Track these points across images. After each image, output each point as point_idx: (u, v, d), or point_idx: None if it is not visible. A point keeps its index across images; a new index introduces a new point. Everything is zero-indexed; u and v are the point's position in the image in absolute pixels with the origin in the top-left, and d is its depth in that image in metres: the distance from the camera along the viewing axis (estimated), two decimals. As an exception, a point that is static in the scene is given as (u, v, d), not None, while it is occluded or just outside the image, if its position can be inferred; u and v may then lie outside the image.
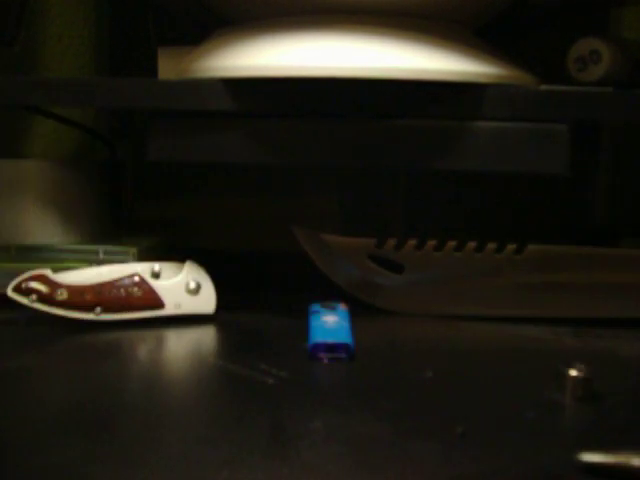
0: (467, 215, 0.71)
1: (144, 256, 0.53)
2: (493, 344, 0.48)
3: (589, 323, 0.50)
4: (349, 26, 0.46)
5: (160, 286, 0.48)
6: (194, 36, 0.51)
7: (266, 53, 0.46)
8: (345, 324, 0.46)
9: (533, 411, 0.36)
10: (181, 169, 0.73)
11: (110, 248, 0.52)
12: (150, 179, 0.73)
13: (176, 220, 0.72)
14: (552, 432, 0.34)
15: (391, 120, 0.47)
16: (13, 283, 0.47)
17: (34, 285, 0.46)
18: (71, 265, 0.51)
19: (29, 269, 0.47)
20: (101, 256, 0.52)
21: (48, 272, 0.47)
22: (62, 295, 0.47)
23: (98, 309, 0.47)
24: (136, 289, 0.48)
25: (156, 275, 0.48)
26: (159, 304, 0.48)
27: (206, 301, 0.49)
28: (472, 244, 0.51)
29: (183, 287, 0.48)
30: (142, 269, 0.48)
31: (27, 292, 0.46)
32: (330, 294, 0.52)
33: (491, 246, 0.51)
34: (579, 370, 0.37)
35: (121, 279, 0.48)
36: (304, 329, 0.46)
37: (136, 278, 0.48)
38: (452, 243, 0.51)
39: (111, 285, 0.47)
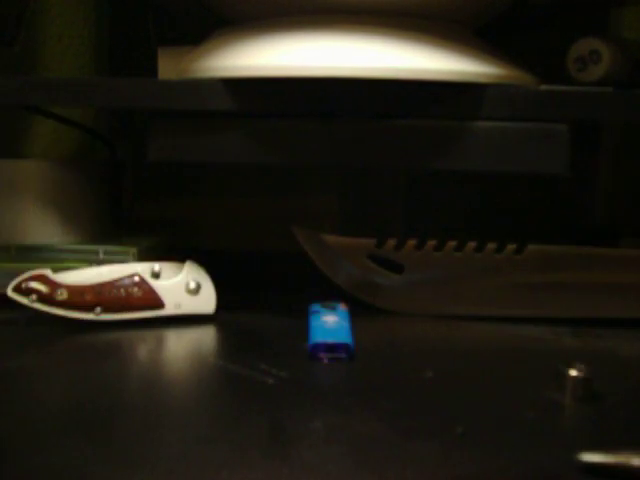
0: (467, 215, 0.71)
1: (144, 256, 0.53)
2: (493, 344, 0.48)
3: (589, 323, 0.50)
4: (349, 26, 0.46)
5: (160, 286, 0.48)
6: (194, 36, 0.51)
7: (266, 53, 0.46)
8: (345, 324, 0.46)
9: (533, 411, 0.36)
10: (181, 169, 0.73)
11: (110, 248, 0.52)
12: (150, 179, 0.73)
13: (176, 220, 0.72)
14: (552, 432, 0.34)
15: (391, 120, 0.47)
16: (13, 283, 0.47)
17: (34, 285, 0.46)
18: (71, 265, 0.51)
19: (29, 269, 0.47)
20: (101, 256, 0.52)
21: (48, 272, 0.47)
22: (62, 295, 0.47)
23: (98, 309, 0.47)
24: (136, 289, 0.48)
25: (156, 275, 0.48)
26: (159, 304, 0.48)
27: (206, 301, 0.49)
28: (472, 244, 0.51)
29: (183, 287, 0.48)
30: (142, 269, 0.48)
31: (27, 292, 0.46)
32: (330, 294, 0.52)
33: (491, 246, 0.51)
34: (579, 370, 0.37)
35: (121, 279, 0.48)
36: (304, 329, 0.46)
37: (136, 278, 0.48)
38: (452, 243, 0.51)
39: (111, 285, 0.47)
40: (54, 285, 0.47)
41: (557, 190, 0.70)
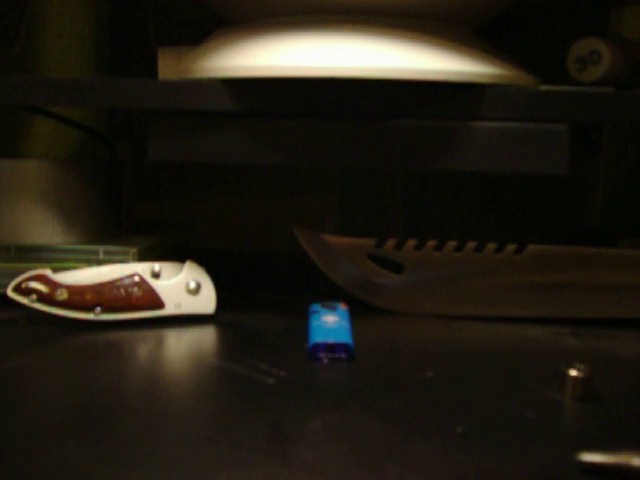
0: (467, 215, 0.71)
1: (144, 256, 0.53)
2: (493, 344, 0.48)
3: (589, 323, 0.50)
4: (349, 26, 0.46)
5: (160, 286, 0.48)
6: (194, 36, 0.51)
7: (266, 53, 0.46)
8: (345, 324, 0.46)
9: (533, 411, 0.36)
10: (181, 169, 0.73)
11: (110, 248, 0.52)
12: (150, 179, 0.73)
13: (176, 220, 0.72)
14: (552, 432, 0.34)
15: (391, 120, 0.47)
16: (13, 283, 0.47)
17: (34, 285, 0.46)
18: (71, 265, 0.51)
19: (29, 269, 0.47)
20: (101, 256, 0.52)
21: (48, 272, 0.47)
22: (62, 295, 0.47)
23: (98, 309, 0.47)
24: (136, 289, 0.48)
25: (156, 275, 0.48)
26: (159, 304, 0.48)
27: (206, 301, 0.49)
28: (472, 244, 0.51)
29: (183, 287, 0.48)
30: (142, 269, 0.48)
31: (27, 292, 0.46)
32: (330, 294, 0.52)
33: (491, 246, 0.51)
34: (579, 370, 0.37)
35: (121, 279, 0.48)
36: (304, 329, 0.46)
37: (136, 278, 0.48)
38: (452, 243, 0.51)
39: (111, 285, 0.47)
40: (54, 285, 0.47)
41: (557, 190, 0.70)
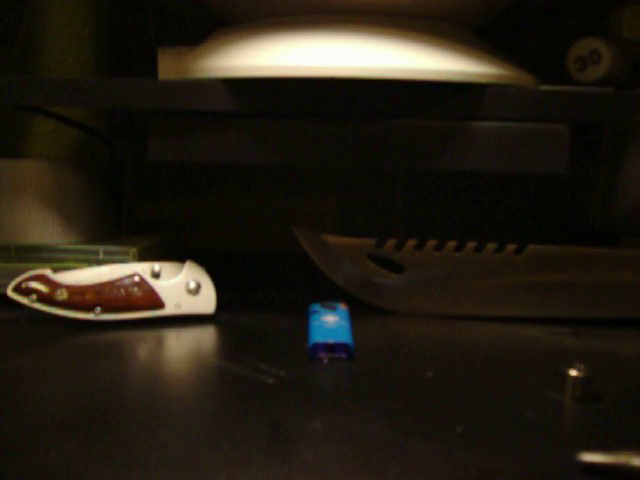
0: (467, 215, 0.71)
1: (144, 256, 0.53)
2: (493, 344, 0.48)
3: (589, 323, 0.50)
4: (349, 26, 0.46)
5: (160, 286, 0.48)
6: (194, 36, 0.51)
7: (266, 53, 0.46)
8: (345, 324, 0.46)
9: (533, 411, 0.36)
10: (181, 169, 0.73)
11: (110, 248, 0.52)
12: (150, 179, 0.73)
13: (176, 220, 0.72)
14: (552, 432, 0.34)
15: (391, 120, 0.47)
16: (13, 283, 0.47)
17: (34, 285, 0.46)
18: (71, 265, 0.51)
19: (29, 269, 0.47)
20: (101, 256, 0.52)
21: (48, 272, 0.47)
22: (62, 295, 0.47)
23: (98, 309, 0.47)
24: (136, 289, 0.48)
25: (156, 275, 0.48)
26: (159, 304, 0.48)
27: (206, 301, 0.49)
28: (472, 244, 0.51)
29: (183, 287, 0.48)
30: (142, 269, 0.48)
31: (27, 292, 0.46)
32: (330, 294, 0.52)
33: (491, 246, 0.51)
34: (579, 370, 0.37)
35: (121, 279, 0.48)
36: (304, 329, 0.46)
37: (136, 278, 0.48)
38: (452, 243, 0.51)
39: (111, 285, 0.47)
40: (54, 285, 0.47)
41: (557, 190, 0.70)
